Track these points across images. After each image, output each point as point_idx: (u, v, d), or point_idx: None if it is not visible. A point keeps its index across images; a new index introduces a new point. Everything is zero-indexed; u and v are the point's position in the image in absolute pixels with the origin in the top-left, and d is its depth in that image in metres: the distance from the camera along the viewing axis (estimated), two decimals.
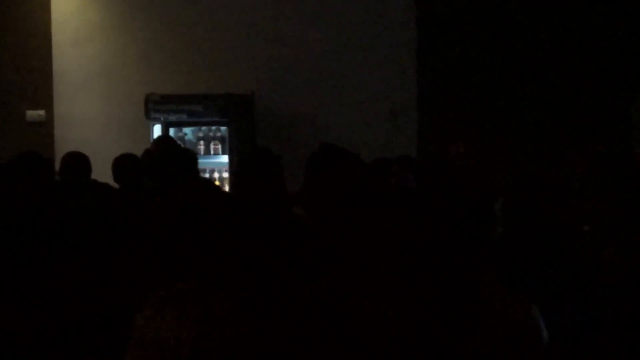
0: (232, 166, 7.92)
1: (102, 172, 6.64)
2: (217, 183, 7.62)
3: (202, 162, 7.22)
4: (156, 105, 8.35)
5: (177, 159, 5.32)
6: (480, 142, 8.85)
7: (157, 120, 8.34)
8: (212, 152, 8.42)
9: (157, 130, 8.28)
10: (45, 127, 9.02)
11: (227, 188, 7.69)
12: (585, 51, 8.97)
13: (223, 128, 8.40)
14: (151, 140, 7.95)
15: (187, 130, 8.50)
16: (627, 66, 8.91)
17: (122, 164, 5.86)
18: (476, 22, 9.03)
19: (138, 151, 6.94)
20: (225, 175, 8.35)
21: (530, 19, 9.03)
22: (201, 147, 8.39)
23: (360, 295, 2.03)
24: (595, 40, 8.97)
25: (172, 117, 8.33)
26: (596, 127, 8.81)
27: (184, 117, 8.35)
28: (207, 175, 8.19)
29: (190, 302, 2.30)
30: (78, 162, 5.98)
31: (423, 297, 1.81)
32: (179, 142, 8.32)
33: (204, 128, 8.48)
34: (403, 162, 6.19)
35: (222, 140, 8.36)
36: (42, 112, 9.02)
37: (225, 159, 8.30)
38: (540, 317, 2.61)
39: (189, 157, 5.39)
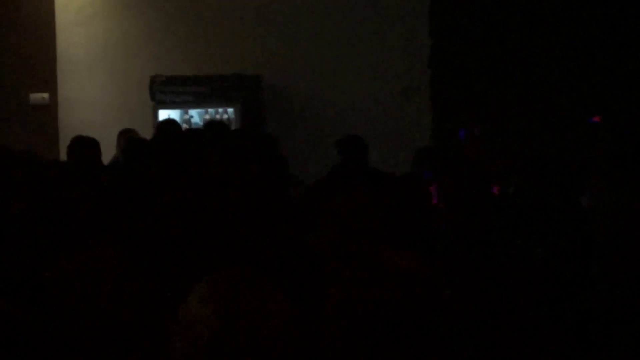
0: None
1: (107, 156, 6.65)
2: None
3: None
4: (162, 87, 8.39)
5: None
6: (493, 123, 8.86)
7: (162, 103, 8.35)
8: None
9: (162, 113, 8.26)
10: (49, 110, 9.05)
11: None
12: (603, 29, 8.87)
13: (230, 110, 8.36)
14: (156, 123, 7.93)
15: (194, 112, 8.46)
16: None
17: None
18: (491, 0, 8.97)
19: (143, 134, 6.94)
20: None
21: None
22: None
23: None
24: (612, 19, 8.86)
25: (178, 99, 8.35)
26: (612, 106, 8.71)
27: (190, 99, 8.36)
28: None
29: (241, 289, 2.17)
30: (87, 146, 5.92)
31: None
32: (184, 125, 8.35)
33: (210, 110, 8.45)
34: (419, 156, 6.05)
35: (229, 123, 8.30)
36: (45, 95, 9.05)
37: None
38: None
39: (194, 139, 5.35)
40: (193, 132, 6.09)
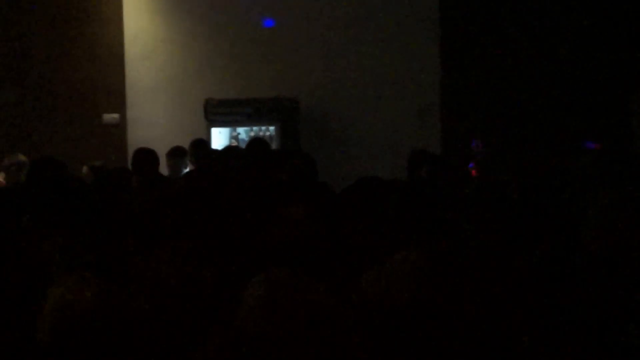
0: None
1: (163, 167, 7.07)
2: None
3: None
4: (214, 108, 9.01)
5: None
6: (499, 138, 8.93)
7: (214, 122, 8.98)
8: None
9: (214, 131, 9.00)
10: (119, 129, 9.48)
11: None
12: (587, 49, 9.05)
13: (271, 128, 9.00)
14: (210, 140, 8.65)
15: (241, 130, 9.10)
16: (626, 63, 8.93)
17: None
18: (500, 20, 9.11)
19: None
20: None
21: (549, 18, 9.13)
22: None
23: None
24: (595, 38, 9.02)
25: (228, 119, 8.99)
26: (598, 122, 8.90)
27: (237, 119, 8.97)
28: None
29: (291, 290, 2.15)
30: (147, 157, 6.33)
31: None
32: (232, 140, 8.99)
33: (255, 128, 9.05)
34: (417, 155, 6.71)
35: (271, 139, 8.80)
36: (116, 116, 9.48)
37: None
38: None
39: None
40: (234, 149, 6.79)
